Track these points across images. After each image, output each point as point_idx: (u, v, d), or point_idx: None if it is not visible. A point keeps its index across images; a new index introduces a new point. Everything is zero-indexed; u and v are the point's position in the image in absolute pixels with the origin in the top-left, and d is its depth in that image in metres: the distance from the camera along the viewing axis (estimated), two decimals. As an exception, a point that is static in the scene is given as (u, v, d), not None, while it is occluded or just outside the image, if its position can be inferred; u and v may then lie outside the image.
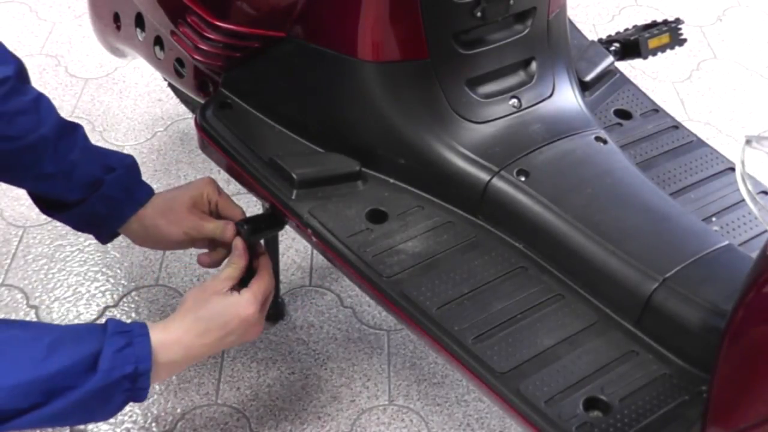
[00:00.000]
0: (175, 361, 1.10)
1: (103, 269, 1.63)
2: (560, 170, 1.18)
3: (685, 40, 1.55)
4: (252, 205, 1.72)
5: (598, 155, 1.22)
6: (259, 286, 1.18)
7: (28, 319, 1.53)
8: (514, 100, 1.25)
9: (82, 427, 1.37)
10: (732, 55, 2.29)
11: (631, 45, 1.50)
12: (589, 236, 1.10)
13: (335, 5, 1.20)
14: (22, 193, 1.24)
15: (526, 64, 1.27)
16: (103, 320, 1.13)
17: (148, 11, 1.43)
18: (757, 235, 1.20)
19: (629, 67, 2.06)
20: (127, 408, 1.40)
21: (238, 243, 1.21)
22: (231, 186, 1.77)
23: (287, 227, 1.29)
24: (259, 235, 1.28)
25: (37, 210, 1.25)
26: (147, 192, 1.25)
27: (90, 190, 1.20)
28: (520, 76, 1.27)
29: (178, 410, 1.41)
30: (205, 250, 1.30)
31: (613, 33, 1.55)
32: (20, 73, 1.14)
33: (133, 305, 1.57)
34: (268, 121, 1.30)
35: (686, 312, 1.02)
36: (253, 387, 1.45)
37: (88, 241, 1.67)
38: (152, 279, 1.62)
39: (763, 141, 0.93)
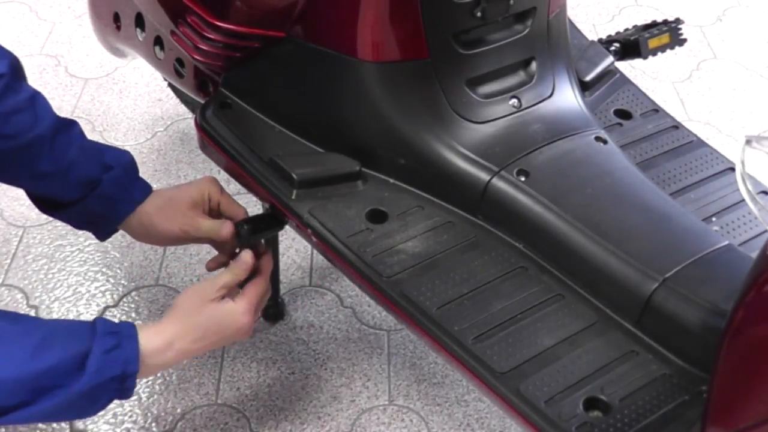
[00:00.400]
0: (165, 363, 1.10)
1: (103, 269, 1.63)
2: (560, 170, 1.18)
3: (685, 40, 1.55)
4: (252, 205, 1.72)
5: (598, 155, 1.22)
6: (255, 292, 1.18)
7: (28, 319, 1.53)
8: (514, 100, 1.25)
9: (82, 426, 1.38)
10: (732, 55, 2.29)
11: (631, 45, 1.50)
12: (589, 236, 1.10)
13: (335, 5, 1.20)
14: (22, 193, 1.24)
15: (526, 64, 1.27)
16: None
17: (148, 11, 1.43)
18: (757, 235, 1.20)
19: (629, 67, 2.06)
20: (127, 407, 1.40)
21: (247, 256, 1.21)
22: (231, 186, 1.77)
23: (287, 227, 1.29)
24: (259, 235, 1.28)
25: (37, 210, 1.25)
26: (144, 190, 1.25)
27: (87, 189, 1.19)
28: (520, 76, 1.27)
29: (178, 410, 1.41)
30: (208, 249, 1.30)
31: (613, 33, 1.55)
32: (15, 70, 1.13)
33: (133, 305, 1.57)
34: (268, 121, 1.30)
35: (686, 312, 1.02)
36: (253, 387, 1.45)
37: (88, 241, 1.67)
38: (152, 279, 1.62)
39: (763, 141, 0.93)
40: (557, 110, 1.27)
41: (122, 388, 1.04)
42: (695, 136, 1.38)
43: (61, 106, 1.99)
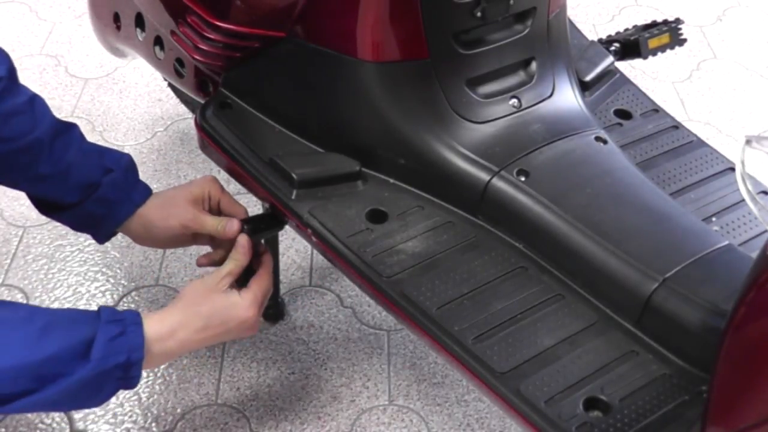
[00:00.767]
0: (169, 352, 1.09)
1: (103, 269, 1.63)
2: (560, 170, 1.18)
3: (685, 40, 1.55)
4: (252, 205, 1.72)
5: (598, 155, 1.22)
6: (259, 286, 1.18)
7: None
8: (514, 100, 1.25)
9: (82, 426, 1.38)
10: (732, 55, 2.29)
11: (631, 45, 1.50)
12: (589, 236, 1.10)
13: (335, 5, 1.20)
14: (22, 194, 1.24)
15: (526, 64, 1.27)
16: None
17: (148, 11, 1.43)
18: (757, 235, 1.20)
19: (629, 67, 2.06)
20: (127, 408, 1.40)
21: (243, 240, 1.20)
22: (231, 186, 1.77)
23: (287, 227, 1.29)
24: (259, 235, 1.28)
25: (37, 210, 1.25)
26: (144, 192, 1.25)
27: (86, 192, 1.19)
28: (520, 76, 1.27)
29: (178, 410, 1.41)
30: (206, 250, 1.30)
31: (613, 33, 1.55)
32: (12, 72, 1.13)
33: (133, 305, 1.57)
34: (268, 121, 1.30)
35: (686, 312, 1.02)
36: (253, 387, 1.45)
37: (88, 241, 1.67)
38: (152, 279, 1.62)
39: (763, 141, 0.93)
40: (557, 110, 1.27)
41: (127, 376, 1.03)
42: (695, 136, 1.38)
43: (61, 106, 1.99)
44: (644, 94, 1.45)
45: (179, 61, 1.41)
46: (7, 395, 0.95)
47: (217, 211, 1.28)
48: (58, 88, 2.05)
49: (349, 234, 1.15)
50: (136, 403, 1.42)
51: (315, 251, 1.65)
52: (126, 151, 1.87)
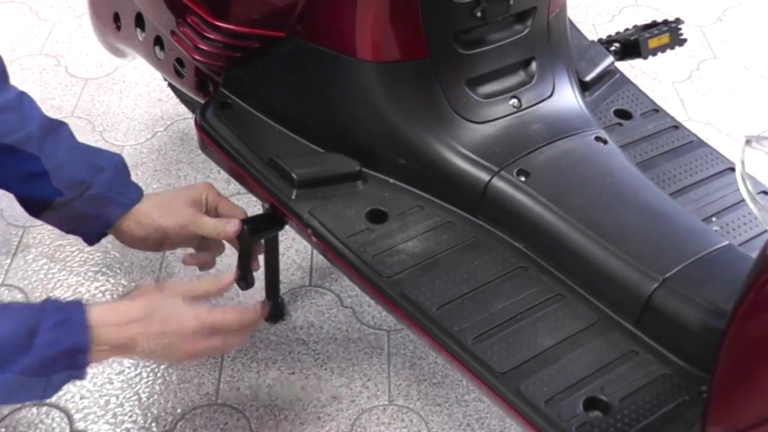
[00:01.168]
0: (118, 343, 1.05)
1: (103, 269, 1.63)
2: (560, 170, 1.19)
3: (685, 40, 1.55)
4: (252, 205, 1.72)
5: (598, 155, 1.22)
6: (212, 314, 1.12)
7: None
8: (514, 100, 1.25)
9: (82, 426, 1.38)
10: (732, 55, 2.29)
11: (631, 45, 1.50)
12: (589, 236, 1.10)
13: (335, 5, 1.20)
14: (22, 194, 1.23)
15: (526, 64, 1.27)
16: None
17: (148, 11, 1.44)
18: (757, 235, 1.20)
19: (629, 67, 2.06)
20: (127, 408, 1.40)
21: (228, 279, 1.18)
22: (231, 186, 1.77)
23: (287, 227, 1.29)
24: (259, 235, 1.28)
25: (26, 211, 1.24)
26: (137, 192, 1.24)
27: (77, 190, 1.18)
28: (520, 76, 1.27)
29: (178, 410, 1.41)
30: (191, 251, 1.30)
31: (613, 33, 1.55)
32: (2, 71, 1.12)
33: (133, 305, 1.57)
34: (268, 121, 1.30)
35: (686, 312, 1.02)
36: (253, 387, 1.45)
37: (88, 241, 1.67)
38: (152, 279, 1.62)
39: (763, 141, 0.93)
40: (557, 110, 1.27)
41: (74, 365, 1.00)
42: (695, 136, 1.38)
43: (61, 106, 1.99)
44: (644, 94, 1.45)
45: (179, 61, 1.41)
46: None
47: (214, 215, 1.27)
48: (58, 88, 2.05)
49: (349, 234, 1.15)
50: (136, 403, 1.42)
51: (315, 251, 1.65)
52: (126, 151, 1.88)
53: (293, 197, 1.19)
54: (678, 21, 1.54)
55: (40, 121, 1.15)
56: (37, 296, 1.58)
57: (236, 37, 1.28)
